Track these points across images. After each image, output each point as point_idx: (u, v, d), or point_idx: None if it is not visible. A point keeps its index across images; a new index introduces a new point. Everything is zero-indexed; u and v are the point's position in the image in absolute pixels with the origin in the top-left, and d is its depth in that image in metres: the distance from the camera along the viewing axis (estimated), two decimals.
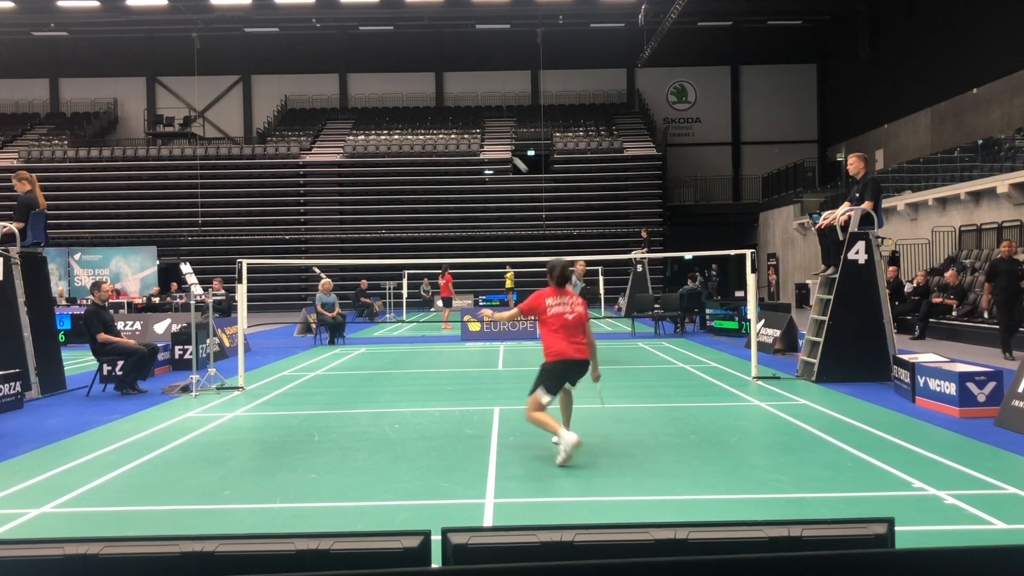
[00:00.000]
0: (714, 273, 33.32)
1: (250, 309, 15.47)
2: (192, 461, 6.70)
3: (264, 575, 2.15)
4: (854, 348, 10.51)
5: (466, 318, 19.64)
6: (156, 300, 27.30)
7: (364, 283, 27.01)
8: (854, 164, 10.97)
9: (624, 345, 16.92)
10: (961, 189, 20.92)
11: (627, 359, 14.19)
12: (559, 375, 6.55)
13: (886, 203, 18.71)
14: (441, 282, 26.01)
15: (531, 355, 15.08)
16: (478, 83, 43.02)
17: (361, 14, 38.84)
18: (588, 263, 31.36)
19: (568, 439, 6.21)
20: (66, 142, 38.99)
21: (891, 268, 19.06)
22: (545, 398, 6.49)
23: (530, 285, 32.70)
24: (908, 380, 9.07)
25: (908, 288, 18.68)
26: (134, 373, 10.70)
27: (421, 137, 39.27)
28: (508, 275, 31.70)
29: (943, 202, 22.04)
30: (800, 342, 13.11)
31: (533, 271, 33.90)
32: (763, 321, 15.37)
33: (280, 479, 6.04)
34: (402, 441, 7.36)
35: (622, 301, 27.48)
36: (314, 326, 18.88)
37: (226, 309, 20.36)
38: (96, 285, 11.01)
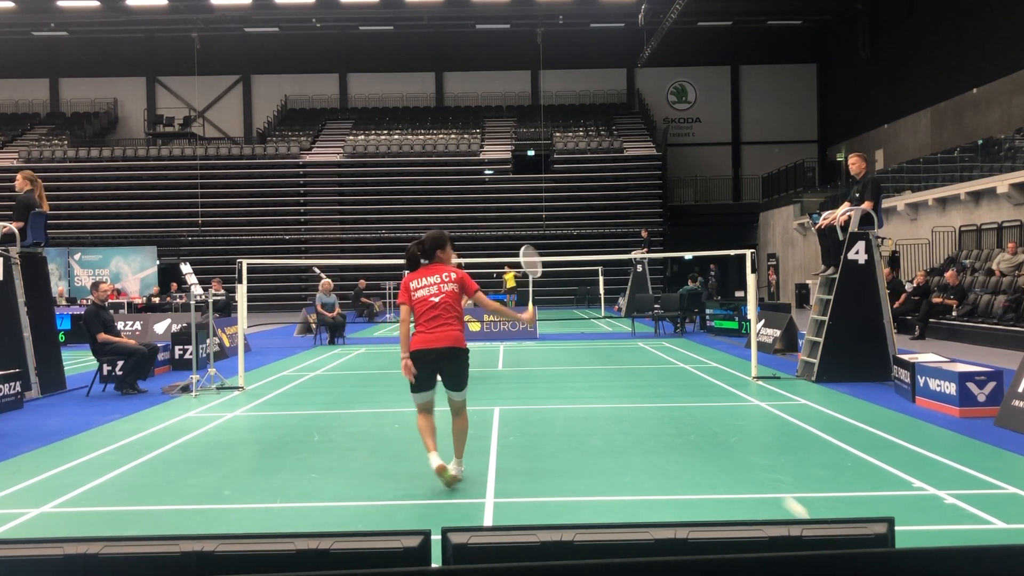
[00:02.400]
0: (712, 273, 33.31)
1: (250, 309, 15.47)
2: (192, 461, 6.70)
3: (264, 575, 2.15)
4: (854, 348, 10.51)
5: (466, 318, 19.62)
6: (156, 300, 27.30)
7: (362, 283, 27.01)
8: (855, 164, 10.97)
9: (624, 345, 16.92)
10: (961, 189, 20.92)
11: (627, 359, 14.19)
12: (419, 370, 5.68)
13: (886, 203, 18.72)
14: None
15: (531, 355, 15.08)
16: (478, 83, 43.02)
17: (361, 14, 38.83)
18: (588, 263, 31.41)
19: (432, 462, 5.54)
20: (66, 142, 38.98)
21: (887, 271, 19.05)
22: (415, 397, 5.82)
23: (525, 286, 32.66)
24: (908, 380, 9.07)
25: (908, 288, 18.67)
26: (134, 373, 10.70)
27: (421, 137, 39.27)
28: (508, 275, 31.50)
29: (943, 202, 22.04)
30: (800, 342, 13.11)
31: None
32: (763, 321, 15.37)
33: (280, 479, 6.04)
34: (402, 441, 7.35)
35: (622, 301, 27.47)
36: (314, 326, 18.89)
37: (224, 308, 20.35)
38: (95, 285, 11.02)
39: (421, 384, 5.69)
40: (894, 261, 21.42)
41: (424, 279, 5.69)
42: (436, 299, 5.62)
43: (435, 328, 5.61)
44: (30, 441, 7.57)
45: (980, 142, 22.22)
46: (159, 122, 40.94)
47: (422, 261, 5.82)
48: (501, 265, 31.66)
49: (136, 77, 42.86)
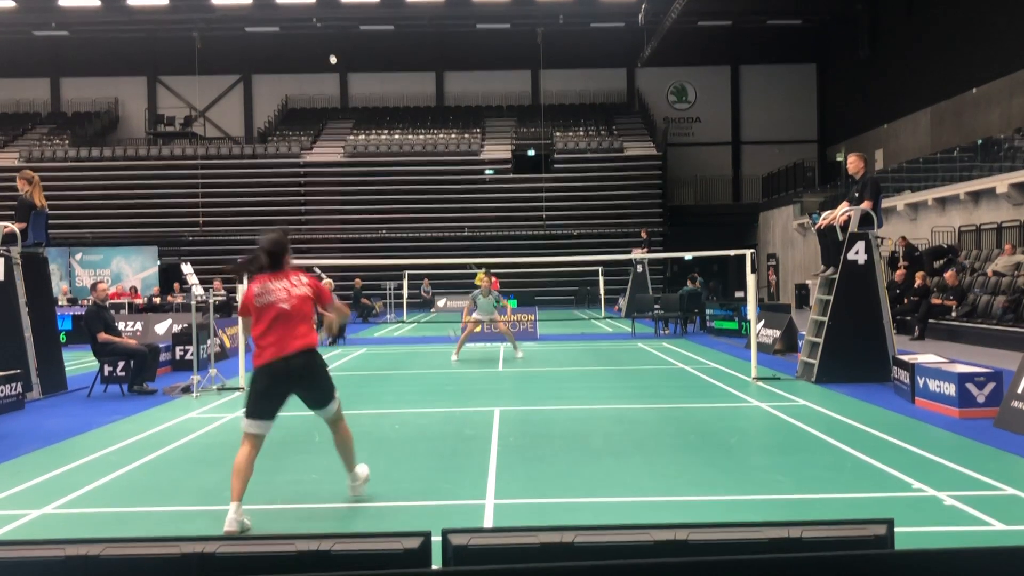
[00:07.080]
0: (699, 279, 32.98)
1: None
2: (193, 462, 6.71)
3: None
4: (854, 349, 10.50)
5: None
6: (157, 300, 27.29)
7: (358, 282, 27.01)
8: (854, 163, 10.98)
9: (624, 346, 16.93)
10: (960, 189, 20.92)
11: (627, 360, 14.19)
12: (267, 386, 5.12)
13: (886, 203, 18.70)
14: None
15: (532, 355, 15.09)
16: (478, 83, 43.02)
17: (361, 14, 38.82)
18: (588, 263, 31.38)
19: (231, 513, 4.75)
20: (67, 142, 38.97)
21: (899, 272, 19.02)
22: (250, 426, 5.05)
23: (525, 286, 32.65)
24: (908, 381, 9.07)
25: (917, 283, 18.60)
26: (141, 375, 10.69)
27: (421, 137, 39.28)
28: (479, 276, 30.66)
29: (942, 202, 22.03)
30: (800, 343, 13.11)
31: (530, 271, 33.83)
32: (763, 322, 15.37)
33: (280, 480, 6.05)
34: (403, 442, 7.36)
35: (622, 301, 27.46)
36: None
37: (225, 309, 20.34)
38: (93, 285, 11.03)
39: (269, 402, 5.13)
40: (893, 261, 21.41)
41: (270, 283, 5.21)
42: (286, 306, 5.20)
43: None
44: (31, 442, 7.57)
45: (980, 142, 22.21)
46: (160, 122, 40.92)
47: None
48: (473, 265, 31.25)
49: (137, 77, 42.82)
